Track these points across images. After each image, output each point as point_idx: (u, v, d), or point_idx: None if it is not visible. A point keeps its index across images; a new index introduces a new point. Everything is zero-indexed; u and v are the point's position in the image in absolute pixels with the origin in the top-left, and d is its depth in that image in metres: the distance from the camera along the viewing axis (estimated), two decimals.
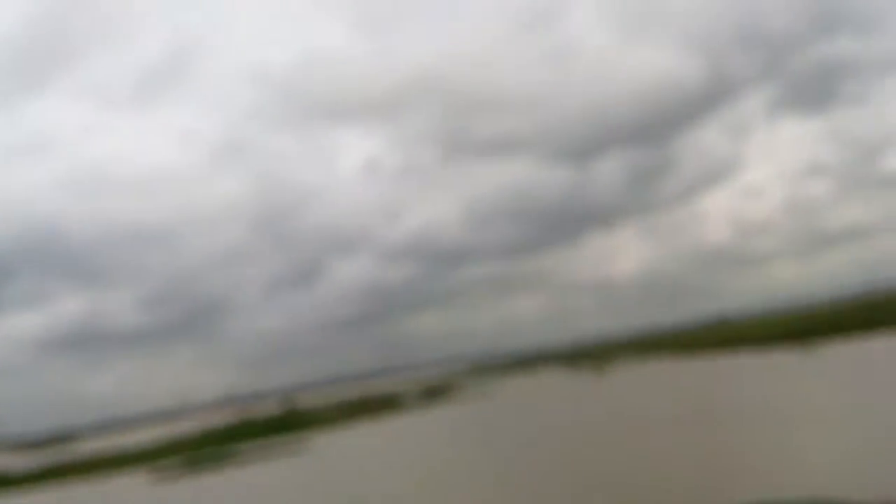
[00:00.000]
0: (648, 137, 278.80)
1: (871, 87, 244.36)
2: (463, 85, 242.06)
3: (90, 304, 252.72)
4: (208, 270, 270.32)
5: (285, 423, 60.57)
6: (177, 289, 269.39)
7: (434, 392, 72.10)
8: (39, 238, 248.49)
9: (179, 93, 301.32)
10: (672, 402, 32.05)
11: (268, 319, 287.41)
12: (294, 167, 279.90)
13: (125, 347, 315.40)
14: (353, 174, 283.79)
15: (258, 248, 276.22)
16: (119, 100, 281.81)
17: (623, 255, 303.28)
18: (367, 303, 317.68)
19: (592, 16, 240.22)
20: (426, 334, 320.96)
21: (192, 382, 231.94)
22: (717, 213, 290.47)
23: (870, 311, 55.63)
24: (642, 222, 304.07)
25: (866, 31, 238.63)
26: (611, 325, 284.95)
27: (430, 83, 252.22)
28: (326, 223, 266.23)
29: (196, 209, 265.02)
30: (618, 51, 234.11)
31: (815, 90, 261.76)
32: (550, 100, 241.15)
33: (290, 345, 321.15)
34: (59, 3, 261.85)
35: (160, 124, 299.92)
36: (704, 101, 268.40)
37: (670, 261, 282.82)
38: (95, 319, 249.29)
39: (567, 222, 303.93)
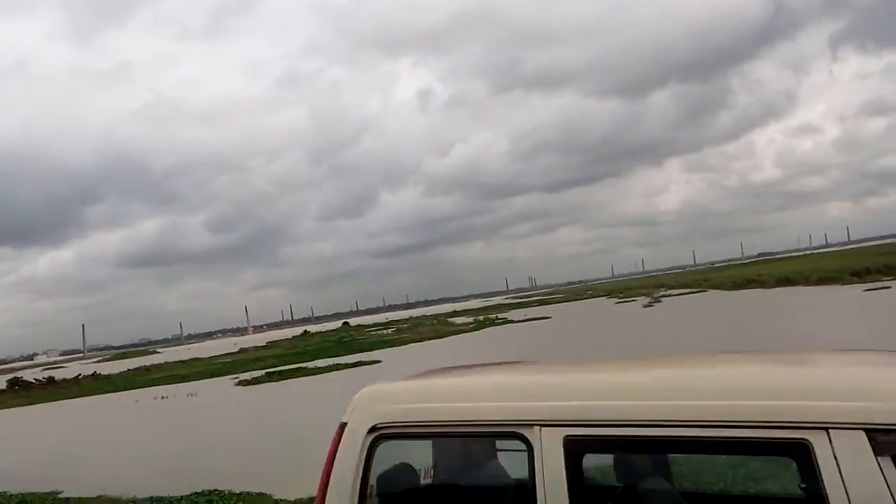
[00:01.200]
0: (703, 72, 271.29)
1: None
2: (515, 17, 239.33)
3: (165, 225, 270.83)
4: (270, 197, 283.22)
5: (350, 341, 64.81)
6: (242, 213, 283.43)
7: (488, 315, 75.30)
8: (120, 164, 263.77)
9: (247, 24, 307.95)
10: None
11: (323, 246, 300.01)
12: (350, 98, 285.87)
13: (195, 267, 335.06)
14: (405, 106, 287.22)
15: (315, 177, 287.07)
16: (193, 31, 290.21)
17: (670, 192, 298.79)
18: (415, 232, 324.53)
19: None
20: (471, 265, 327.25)
21: (253, 302, 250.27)
22: (768, 151, 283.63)
23: (845, 262, 55.29)
24: (691, 158, 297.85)
25: None
26: (655, 260, 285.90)
27: (482, 15, 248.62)
28: (379, 154, 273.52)
29: (260, 138, 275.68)
30: None
31: (880, 27, 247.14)
32: (603, 33, 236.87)
33: (342, 271, 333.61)
34: None
35: (229, 55, 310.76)
36: (764, 35, 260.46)
37: (718, 198, 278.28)
38: (169, 239, 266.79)
39: (614, 157, 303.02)
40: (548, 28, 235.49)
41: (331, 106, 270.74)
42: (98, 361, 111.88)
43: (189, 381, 43.38)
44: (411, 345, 48.43)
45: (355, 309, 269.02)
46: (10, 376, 57.61)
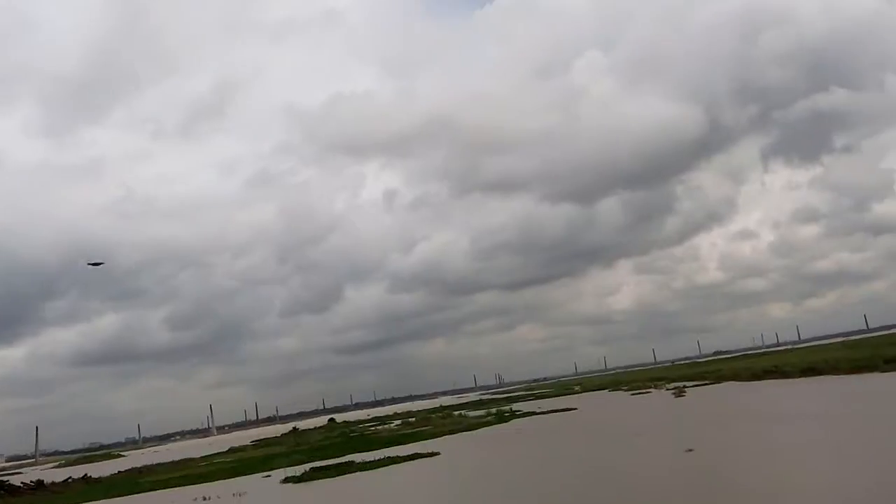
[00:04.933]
0: (648, 181, 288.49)
1: (862, 138, 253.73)
2: (476, 126, 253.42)
3: (123, 321, 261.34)
4: (234, 293, 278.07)
5: (358, 437, 61.64)
6: (205, 310, 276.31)
7: (489, 409, 73.25)
8: (83, 258, 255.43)
9: (221, 126, 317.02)
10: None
11: (287, 342, 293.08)
12: (318, 199, 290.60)
13: (152, 365, 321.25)
14: (371, 206, 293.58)
15: (281, 273, 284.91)
16: (167, 130, 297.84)
17: (622, 292, 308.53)
18: (380, 328, 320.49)
19: (598, 66, 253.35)
20: (436, 361, 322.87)
21: (214, 401, 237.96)
22: (711, 255, 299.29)
23: (853, 353, 56.37)
24: (641, 260, 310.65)
25: (857, 87, 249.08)
26: (615, 357, 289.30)
27: (445, 124, 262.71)
28: (345, 251, 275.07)
29: (228, 234, 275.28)
30: (620, 99, 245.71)
31: (807, 141, 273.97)
32: (556, 143, 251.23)
33: (306, 368, 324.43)
34: (120, 41, 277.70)
35: (202, 154, 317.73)
36: (701, 148, 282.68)
37: (667, 298, 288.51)
38: (126, 336, 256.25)
39: (569, 258, 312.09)
40: (503, 137, 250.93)
41: (299, 204, 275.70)
42: (56, 467, 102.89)
43: (209, 480, 39.90)
44: (446, 437, 46.13)
45: (322, 407, 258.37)
46: None
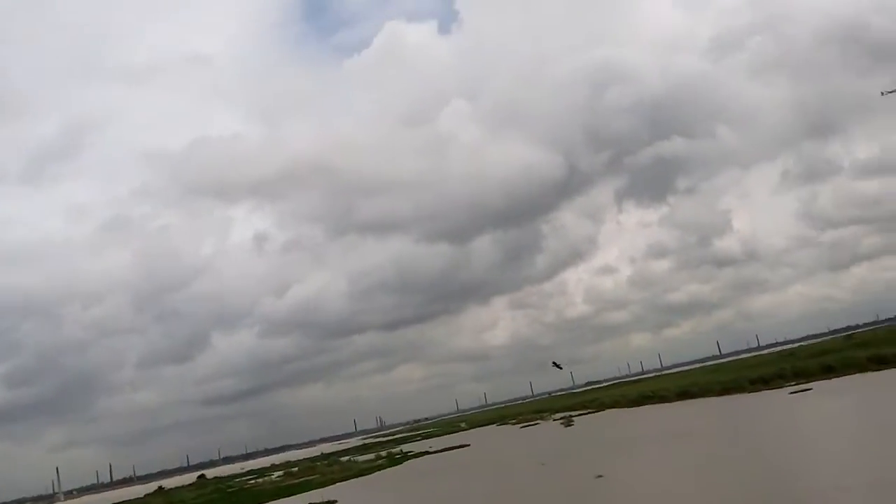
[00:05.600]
0: (517, 220, 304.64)
1: (701, 181, 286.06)
2: (348, 170, 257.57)
3: None
4: (84, 344, 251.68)
5: (237, 491, 57.49)
6: (51, 364, 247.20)
7: (378, 452, 71.34)
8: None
9: (70, 169, 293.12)
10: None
11: (144, 395, 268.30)
12: (181, 243, 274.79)
13: None
14: (239, 250, 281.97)
15: (139, 323, 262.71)
16: (10, 173, 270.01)
17: (498, 328, 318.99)
18: (251, 376, 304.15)
19: (463, 114, 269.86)
20: (312, 408, 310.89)
21: (59, 464, 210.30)
22: (577, 289, 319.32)
23: (718, 376, 61.67)
24: (514, 296, 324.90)
25: (693, 135, 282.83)
26: (495, 393, 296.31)
27: (317, 167, 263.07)
28: (211, 297, 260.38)
29: (79, 283, 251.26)
30: (486, 145, 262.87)
31: (654, 183, 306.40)
32: (428, 186, 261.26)
33: (167, 423, 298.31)
34: None
35: (50, 199, 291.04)
36: (563, 190, 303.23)
37: (540, 332, 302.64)
38: None
39: (446, 296, 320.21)
40: (377, 180, 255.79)
41: (160, 249, 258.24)
42: None
43: None
44: (338, 484, 44.08)
45: (185, 464, 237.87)
46: None
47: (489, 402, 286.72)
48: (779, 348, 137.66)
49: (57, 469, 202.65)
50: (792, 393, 38.82)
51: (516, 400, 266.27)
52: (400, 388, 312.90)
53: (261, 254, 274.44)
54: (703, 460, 23.40)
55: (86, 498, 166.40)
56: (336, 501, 33.42)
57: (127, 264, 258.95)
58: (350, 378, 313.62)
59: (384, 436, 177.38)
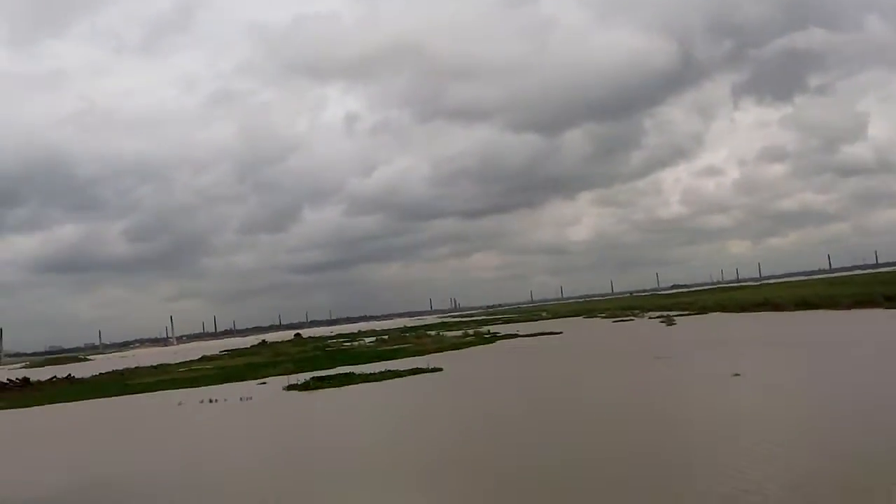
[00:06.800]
0: (615, 113, 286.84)
1: (838, 79, 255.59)
2: (439, 53, 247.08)
3: (83, 232, 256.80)
4: (193, 208, 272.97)
5: (336, 352, 60.55)
6: (164, 224, 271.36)
7: (466, 330, 73.07)
8: (45, 168, 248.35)
9: (183, 42, 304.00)
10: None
11: (243, 259, 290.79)
12: (279, 119, 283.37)
13: (111, 275, 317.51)
14: (332, 129, 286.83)
15: (240, 191, 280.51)
16: (129, 44, 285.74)
17: (581, 223, 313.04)
18: (336, 250, 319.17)
19: None
20: (390, 284, 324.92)
21: (170, 313, 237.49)
22: (675, 190, 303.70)
23: (843, 289, 56.31)
24: (602, 193, 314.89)
25: (834, 27, 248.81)
26: (572, 287, 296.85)
27: (409, 49, 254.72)
28: (304, 172, 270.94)
29: (188, 151, 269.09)
30: (590, 31, 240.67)
31: (780, 80, 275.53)
32: (522, 72, 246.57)
33: (262, 285, 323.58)
34: None
35: (164, 70, 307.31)
36: (672, 83, 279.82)
37: (626, 231, 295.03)
38: (86, 246, 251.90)
39: (529, 188, 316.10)
40: (469, 65, 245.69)
41: (260, 124, 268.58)
42: (23, 367, 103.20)
43: (198, 385, 38.31)
44: (433, 354, 45.09)
45: (278, 323, 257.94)
46: None
47: (564, 295, 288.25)
48: None
49: (171, 317, 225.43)
50: None
51: (594, 296, 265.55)
52: (475, 274, 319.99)
53: (350, 134, 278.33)
54: (851, 367, 21.30)
55: (194, 343, 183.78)
56: (442, 369, 34.01)
57: (231, 136, 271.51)
58: (428, 260, 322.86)
59: (460, 317, 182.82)
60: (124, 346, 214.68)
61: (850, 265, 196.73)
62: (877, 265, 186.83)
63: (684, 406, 18.07)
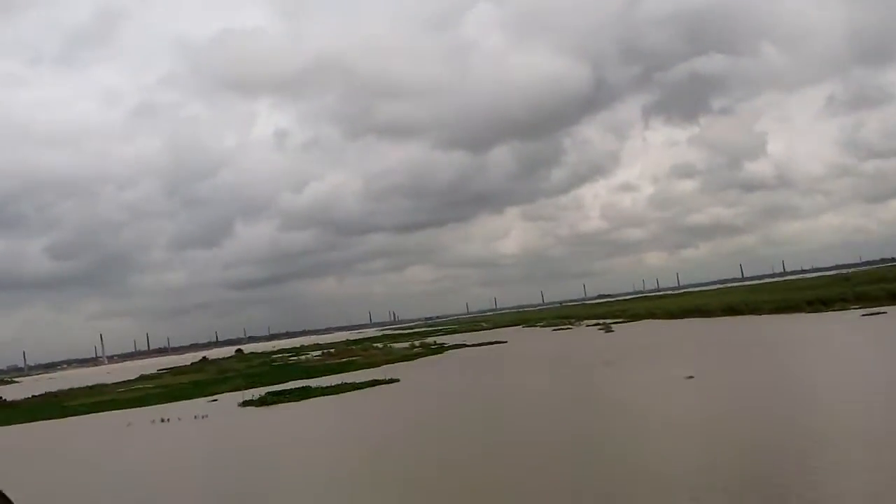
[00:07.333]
0: (537, 132, 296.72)
1: (738, 102, 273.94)
2: (367, 72, 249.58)
3: (3, 249, 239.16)
4: (119, 225, 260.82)
5: (286, 367, 59.64)
6: (88, 241, 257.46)
7: (412, 341, 73.24)
8: None
9: (104, 54, 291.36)
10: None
11: (175, 275, 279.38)
12: (206, 133, 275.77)
13: (32, 294, 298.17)
14: (262, 144, 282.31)
15: (169, 207, 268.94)
16: (47, 56, 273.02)
17: (510, 237, 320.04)
18: (271, 265, 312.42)
19: (488, 20, 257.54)
20: (327, 299, 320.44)
21: (97, 332, 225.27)
22: (594, 205, 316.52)
23: (763, 296, 60.37)
24: (528, 208, 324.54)
25: (732, 52, 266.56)
26: (505, 298, 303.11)
27: (337, 67, 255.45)
28: (235, 188, 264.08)
29: (112, 165, 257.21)
30: (510, 53, 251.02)
31: (686, 102, 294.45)
32: (447, 92, 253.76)
33: (196, 302, 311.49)
34: None
35: (83, 83, 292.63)
36: (587, 103, 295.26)
37: (552, 244, 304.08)
38: (4, 265, 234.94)
39: (459, 204, 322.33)
40: (395, 84, 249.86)
41: (187, 139, 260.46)
42: None
43: (144, 405, 37.13)
44: (384, 366, 45.26)
45: (215, 340, 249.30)
46: None
47: (499, 306, 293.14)
48: (811, 275, 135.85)
49: (101, 336, 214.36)
50: (865, 315, 38.22)
51: (526, 306, 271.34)
52: (411, 288, 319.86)
53: (281, 150, 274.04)
54: (798, 366, 22.96)
55: (127, 363, 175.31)
56: (399, 380, 34.31)
57: (157, 150, 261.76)
58: (363, 274, 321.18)
59: (400, 329, 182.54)
60: (51, 367, 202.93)
61: (760, 274, 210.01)
62: (784, 273, 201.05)
63: (645, 408, 19.14)
